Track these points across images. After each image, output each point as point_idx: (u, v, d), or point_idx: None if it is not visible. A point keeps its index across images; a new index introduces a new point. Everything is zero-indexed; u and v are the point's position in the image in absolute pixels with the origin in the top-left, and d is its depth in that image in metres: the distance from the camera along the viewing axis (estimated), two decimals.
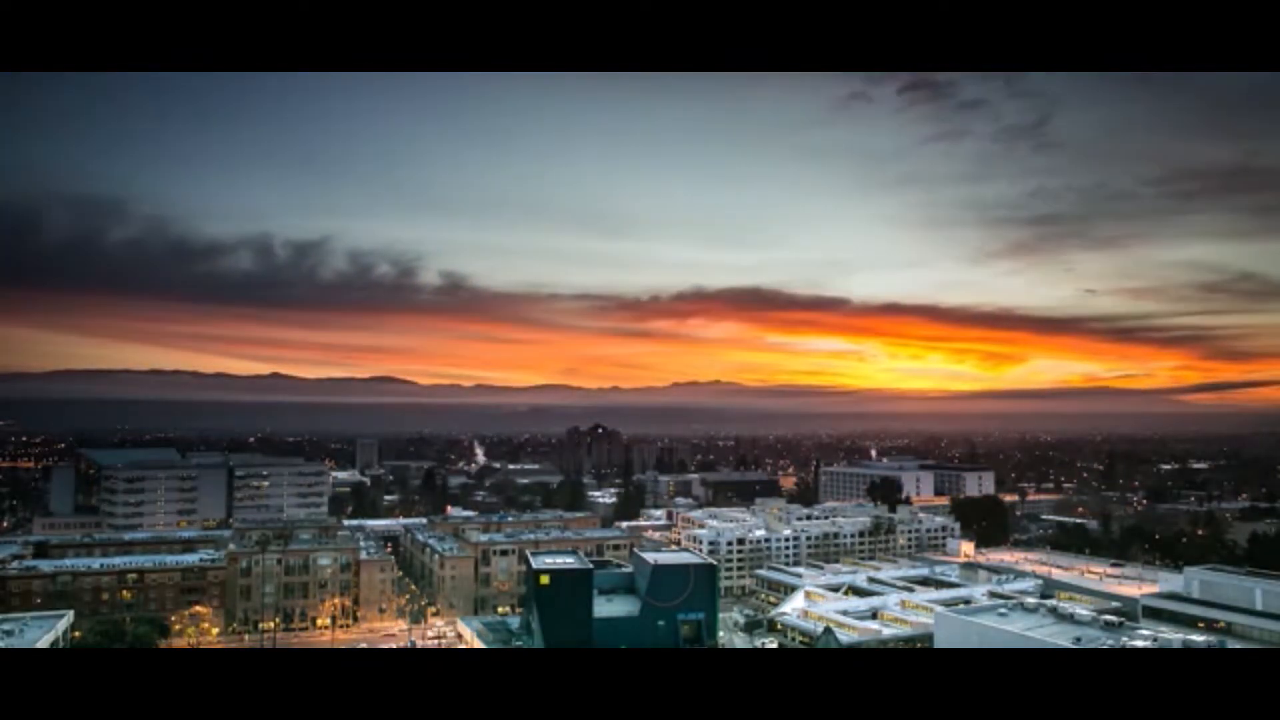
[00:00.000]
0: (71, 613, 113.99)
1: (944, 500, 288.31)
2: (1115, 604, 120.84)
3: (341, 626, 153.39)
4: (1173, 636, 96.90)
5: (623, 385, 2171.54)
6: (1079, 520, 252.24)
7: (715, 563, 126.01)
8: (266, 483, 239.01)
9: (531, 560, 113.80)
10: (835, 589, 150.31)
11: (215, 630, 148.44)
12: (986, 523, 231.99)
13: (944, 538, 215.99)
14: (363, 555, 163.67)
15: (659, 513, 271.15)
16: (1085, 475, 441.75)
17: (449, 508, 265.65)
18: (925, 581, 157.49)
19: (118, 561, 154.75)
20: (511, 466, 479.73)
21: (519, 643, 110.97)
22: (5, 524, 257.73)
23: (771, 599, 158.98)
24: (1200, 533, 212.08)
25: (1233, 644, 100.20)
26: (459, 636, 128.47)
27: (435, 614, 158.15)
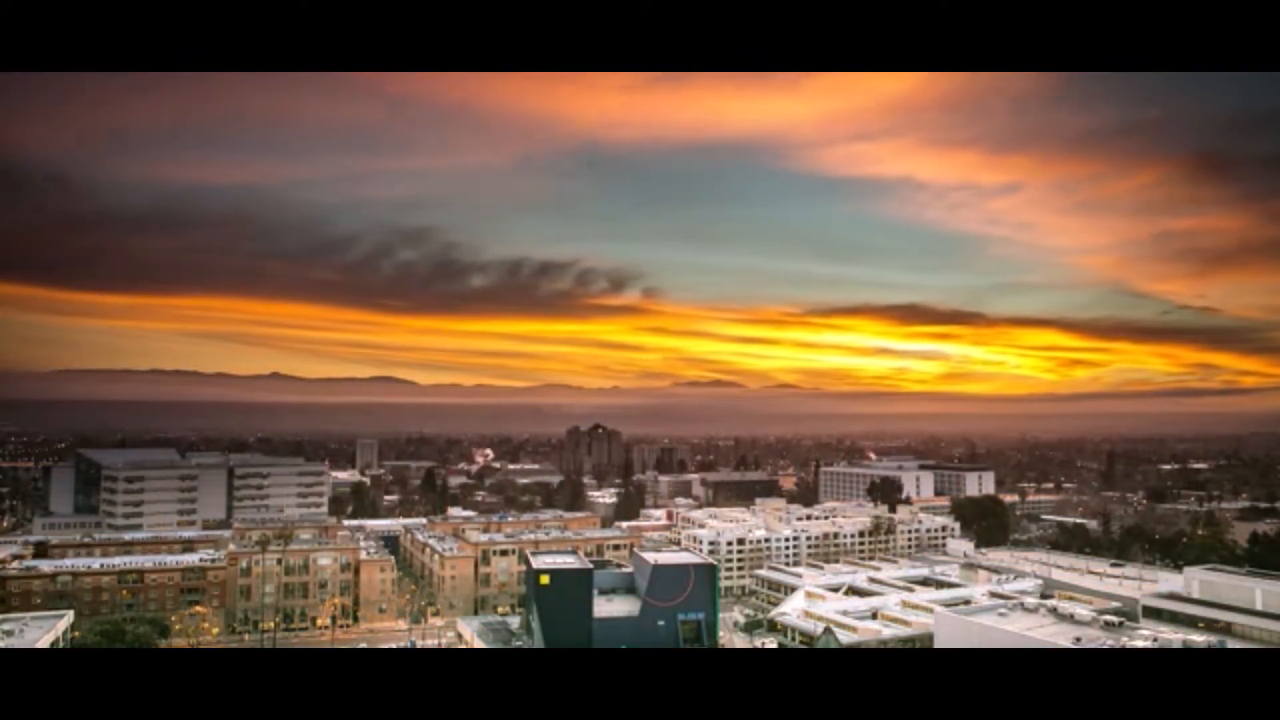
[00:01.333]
0: (71, 613, 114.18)
1: (944, 500, 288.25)
2: (1115, 604, 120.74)
3: (341, 627, 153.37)
4: (1173, 636, 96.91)
5: (623, 385, 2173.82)
6: (1079, 520, 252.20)
7: (715, 563, 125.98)
8: (266, 483, 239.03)
9: (531, 560, 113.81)
10: (835, 589, 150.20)
11: (215, 630, 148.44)
12: (986, 523, 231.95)
13: (944, 538, 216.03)
14: (363, 555, 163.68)
15: (659, 513, 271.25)
16: (1085, 475, 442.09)
17: (449, 508, 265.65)
18: (925, 581, 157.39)
19: (118, 561, 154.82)
20: (511, 466, 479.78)
21: (519, 643, 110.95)
22: (5, 524, 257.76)
23: (772, 599, 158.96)
24: (1200, 533, 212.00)
25: (1233, 644, 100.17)
26: (459, 637, 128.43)
27: (435, 614, 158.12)
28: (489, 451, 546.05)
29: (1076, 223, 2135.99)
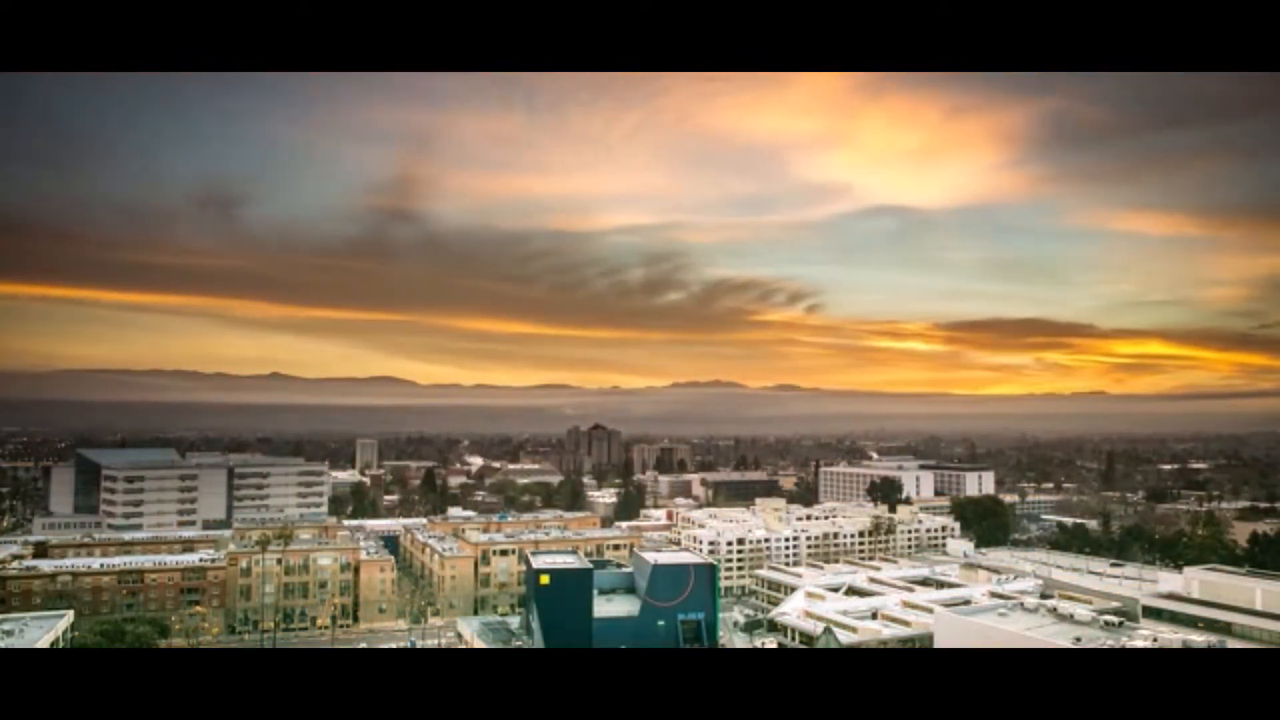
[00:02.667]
0: (71, 613, 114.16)
1: (944, 500, 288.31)
2: (1115, 604, 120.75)
3: (341, 626, 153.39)
4: (1173, 636, 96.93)
5: (623, 385, 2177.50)
6: (1079, 520, 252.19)
7: (715, 563, 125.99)
8: (266, 483, 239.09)
9: (531, 560, 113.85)
10: (835, 589, 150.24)
11: (215, 630, 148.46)
12: (986, 523, 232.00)
13: (944, 538, 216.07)
14: (363, 555, 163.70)
15: (659, 513, 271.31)
16: (1085, 475, 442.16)
17: (449, 507, 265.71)
18: (925, 581, 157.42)
19: (118, 561, 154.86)
20: (511, 466, 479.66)
21: (519, 643, 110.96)
22: (5, 524, 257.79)
23: (772, 599, 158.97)
24: (1200, 533, 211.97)
25: (1233, 644, 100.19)
26: (459, 637, 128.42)
27: (435, 614, 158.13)
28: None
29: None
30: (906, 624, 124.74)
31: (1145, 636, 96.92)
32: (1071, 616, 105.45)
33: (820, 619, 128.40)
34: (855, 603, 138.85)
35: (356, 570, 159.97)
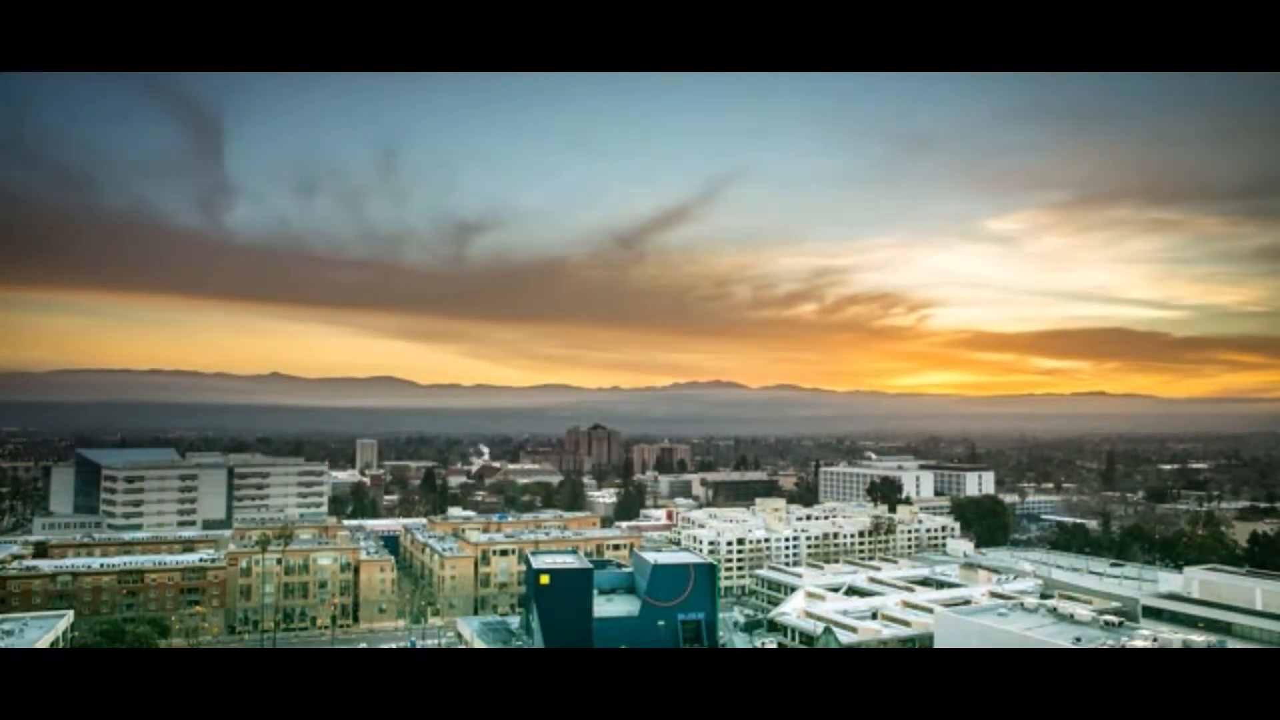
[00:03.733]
0: (71, 613, 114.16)
1: (944, 500, 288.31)
2: (1115, 604, 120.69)
3: (341, 627, 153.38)
4: (1173, 636, 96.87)
5: (623, 385, 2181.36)
6: (1079, 520, 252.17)
7: (715, 563, 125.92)
8: (266, 483, 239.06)
9: (531, 560, 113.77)
10: (835, 589, 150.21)
11: (215, 630, 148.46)
12: (986, 523, 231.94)
13: (944, 538, 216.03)
14: (362, 555, 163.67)
15: (659, 513, 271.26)
16: (1085, 475, 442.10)
17: (449, 507, 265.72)
18: (925, 581, 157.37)
19: (118, 561, 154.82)
20: (511, 466, 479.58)
21: (519, 643, 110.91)
22: (5, 524, 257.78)
23: (772, 599, 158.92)
24: (1200, 533, 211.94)
25: (1233, 644, 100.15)
26: (459, 637, 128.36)
27: (435, 614, 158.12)
28: (481, 456, 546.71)
29: None
30: (906, 624, 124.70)
31: (1145, 636, 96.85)
32: (1071, 616, 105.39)
33: (820, 619, 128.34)
34: (855, 603, 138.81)
35: (356, 570, 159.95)
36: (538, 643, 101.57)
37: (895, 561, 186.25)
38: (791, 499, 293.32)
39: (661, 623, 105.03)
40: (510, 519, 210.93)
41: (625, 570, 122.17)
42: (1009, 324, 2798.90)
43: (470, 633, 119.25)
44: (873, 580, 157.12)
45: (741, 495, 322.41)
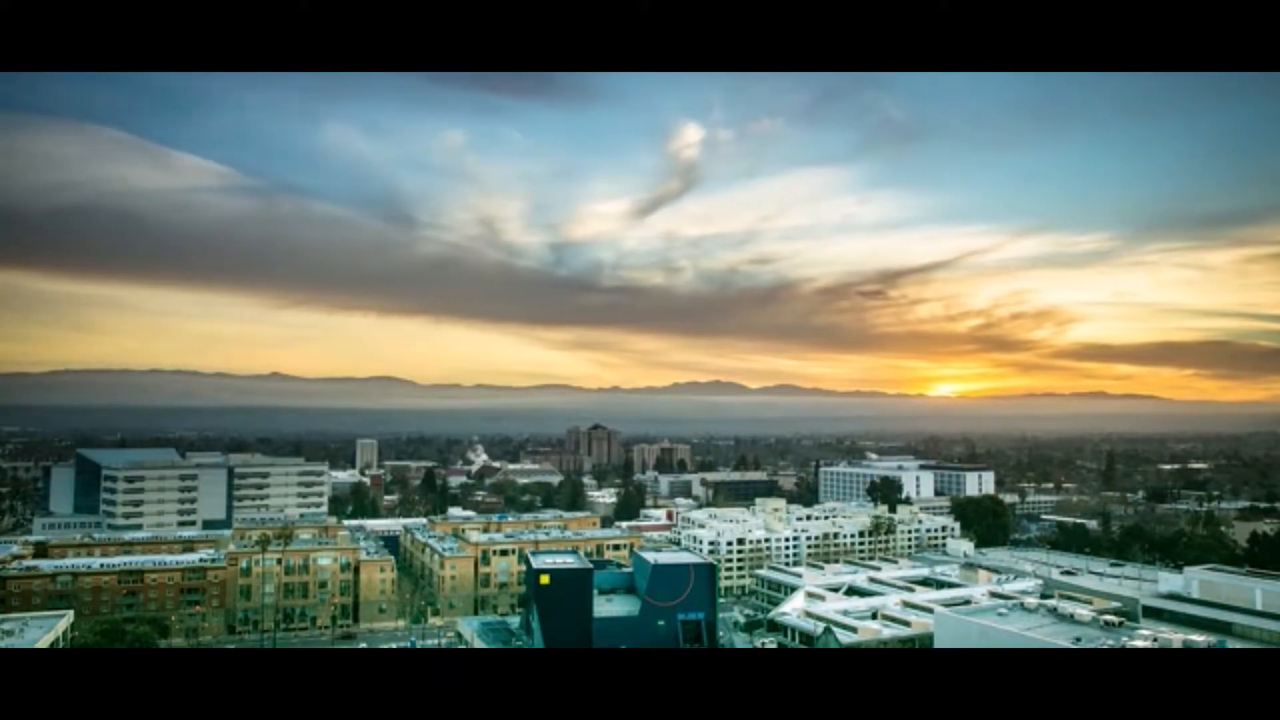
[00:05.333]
0: (71, 613, 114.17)
1: (944, 500, 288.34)
2: (1115, 604, 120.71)
3: (341, 626, 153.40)
4: (1173, 636, 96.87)
5: (623, 385, 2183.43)
6: (1079, 520, 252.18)
7: (715, 563, 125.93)
8: (266, 483, 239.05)
9: (531, 560, 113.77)
10: (835, 589, 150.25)
11: (215, 630, 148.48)
12: (986, 523, 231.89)
13: (944, 538, 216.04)
14: (363, 555, 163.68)
15: (659, 513, 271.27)
16: (1085, 475, 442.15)
17: (449, 507, 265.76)
18: (925, 581, 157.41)
19: (118, 561, 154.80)
20: (511, 466, 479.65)
21: (519, 643, 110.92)
22: (5, 524, 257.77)
23: (772, 599, 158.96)
24: (1200, 533, 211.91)
25: (1233, 644, 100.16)
26: (459, 637, 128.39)
27: (435, 614, 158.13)
28: (479, 453, 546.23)
29: None
30: (906, 624, 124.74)
31: (1145, 636, 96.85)
32: (1071, 616, 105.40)
33: (820, 619, 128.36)
34: (855, 603, 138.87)
35: (356, 570, 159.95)
36: (538, 643, 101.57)
37: (895, 561, 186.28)
38: (791, 499, 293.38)
39: (661, 623, 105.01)
40: (510, 519, 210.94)
41: (625, 570, 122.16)
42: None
43: (470, 633, 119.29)
44: (873, 580, 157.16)
45: (741, 495, 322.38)
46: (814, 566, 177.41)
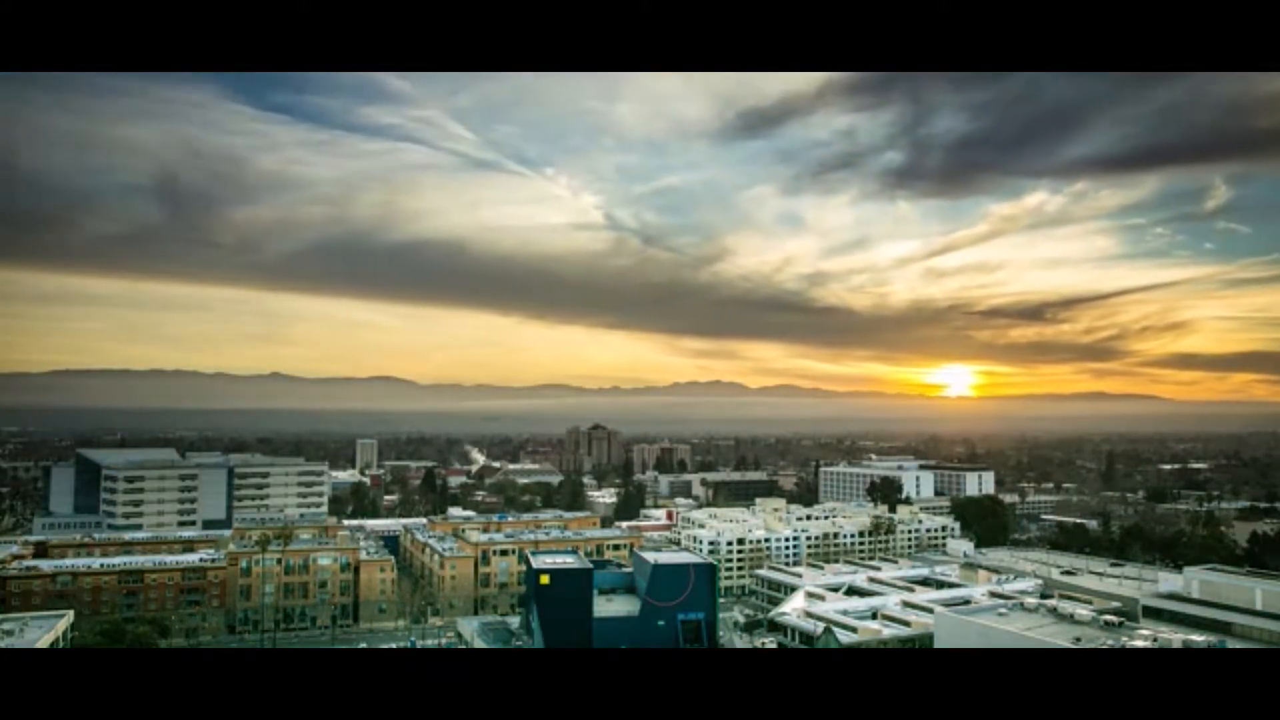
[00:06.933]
0: (71, 613, 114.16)
1: (944, 500, 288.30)
2: (1115, 604, 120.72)
3: (341, 626, 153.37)
4: (1173, 636, 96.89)
5: (623, 385, 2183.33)
6: (1079, 520, 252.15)
7: (715, 563, 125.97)
8: (266, 482, 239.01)
9: (531, 560, 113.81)
10: (835, 589, 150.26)
11: (215, 630, 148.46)
12: (986, 523, 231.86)
13: (944, 538, 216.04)
14: (362, 555, 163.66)
15: (659, 513, 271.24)
16: (1085, 475, 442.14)
17: (449, 507, 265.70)
18: (925, 581, 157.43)
19: (118, 561, 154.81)
20: (511, 466, 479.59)
21: (519, 643, 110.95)
22: (5, 524, 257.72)
23: (772, 599, 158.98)
24: (1200, 533, 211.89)
25: (1233, 644, 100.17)
26: (459, 637, 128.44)
27: (435, 614, 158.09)
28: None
29: None
30: (906, 624, 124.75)
31: (1145, 636, 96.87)
32: (1071, 616, 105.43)
33: (820, 619, 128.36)
34: (855, 603, 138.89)
35: (356, 570, 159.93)
36: (538, 643, 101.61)
37: (895, 561, 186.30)
38: (791, 499, 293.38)
39: (661, 623, 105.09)
40: (510, 519, 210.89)
41: (625, 570, 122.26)
42: None
43: (470, 633, 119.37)
44: (873, 580, 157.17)
45: (741, 495, 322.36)
46: (814, 566, 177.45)
